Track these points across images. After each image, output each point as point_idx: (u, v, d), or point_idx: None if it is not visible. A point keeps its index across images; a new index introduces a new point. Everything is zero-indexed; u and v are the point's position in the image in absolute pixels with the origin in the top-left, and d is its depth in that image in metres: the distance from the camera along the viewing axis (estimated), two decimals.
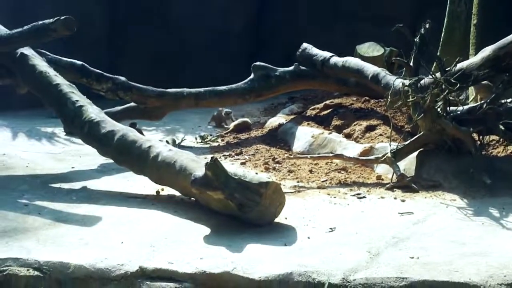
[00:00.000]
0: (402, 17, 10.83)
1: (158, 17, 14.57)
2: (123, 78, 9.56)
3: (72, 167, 8.20)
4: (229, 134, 10.20)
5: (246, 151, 8.91)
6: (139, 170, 7.00)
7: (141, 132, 8.31)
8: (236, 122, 10.57)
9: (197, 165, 6.21)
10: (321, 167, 7.95)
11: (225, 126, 10.82)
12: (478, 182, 6.77)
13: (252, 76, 10.02)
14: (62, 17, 7.68)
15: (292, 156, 8.39)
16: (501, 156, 7.36)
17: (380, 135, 8.30)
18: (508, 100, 7.19)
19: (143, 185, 7.12)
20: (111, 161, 7.48)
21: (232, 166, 7.96)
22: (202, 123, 11.23)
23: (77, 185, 7.36)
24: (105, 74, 9.56)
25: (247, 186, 5.77)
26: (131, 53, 14.19)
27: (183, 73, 13.64)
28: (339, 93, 10.37)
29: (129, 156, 6.99)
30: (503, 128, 6.99)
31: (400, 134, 7.82)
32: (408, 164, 7.44)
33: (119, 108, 9.85)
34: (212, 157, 5.82)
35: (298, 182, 7.47)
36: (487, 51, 7.22)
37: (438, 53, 8.42)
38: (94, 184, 7.42)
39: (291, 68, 10.02)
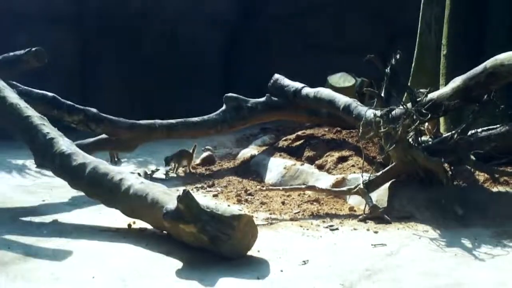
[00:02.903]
0: (373, 47, 10.90)
1: (131, 47, 14.56)
2: (94, 110, 9.48)
3: (43, 200, 8.12)
4: (201, 166, 10.15)
5: (218, 183, 8.89)
6: (110, 203, 6.95)
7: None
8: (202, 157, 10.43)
9: (169, 198, 6.18)
10: (293, 198, 7.94)
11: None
12: (450, 212, 6.80)
13: (224, 107, 10.02)
14: (33, 49, 7.65)
15: (264, 188, 8.37)
16: (473, 186, 7.37)
17: (352, 166, 8.31)
18: (479, 130, 7.24)
19: (114, 218, 7.06)
20: (83, 193, 7.41)
21: (204, 198, 7.94)
22: None
23: (48, 219, 7.29)
24: (77, 105, 9.48)
25: (220, 219, 5.74)
26: (104, 83, 14.16)
27: (157, 103, 13.61)
28: (311, 124, 10.38)
29: (101, 189, 6.94)
30: (474, 158, 7.02)
31: (372, 165, 7.83)
32: (380, 195, 7.45)
33: (90, 140, 9.76)
34: (184, 190, 5.79)
35: (270, 214, 7.44)
36: (457, 81, 7.27)
37: (408, 84, 8.46)
38: (65, 218, 7.35)
39: (263, 99, 10.05)
